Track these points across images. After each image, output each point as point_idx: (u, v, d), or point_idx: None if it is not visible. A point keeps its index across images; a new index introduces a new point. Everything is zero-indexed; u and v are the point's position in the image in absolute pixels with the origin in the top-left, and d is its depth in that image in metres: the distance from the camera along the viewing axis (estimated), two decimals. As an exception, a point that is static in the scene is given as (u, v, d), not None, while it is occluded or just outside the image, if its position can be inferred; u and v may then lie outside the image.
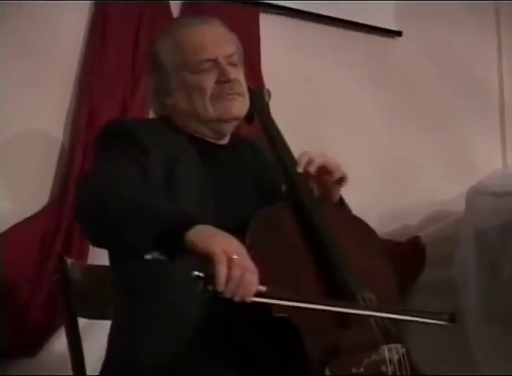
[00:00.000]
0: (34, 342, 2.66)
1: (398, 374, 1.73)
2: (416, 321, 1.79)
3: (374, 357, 1.71)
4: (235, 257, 1.54)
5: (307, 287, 1.79)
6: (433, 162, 3.73)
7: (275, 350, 1.70)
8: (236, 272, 1.53)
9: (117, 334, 1.90)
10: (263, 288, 1.58)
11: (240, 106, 1.98)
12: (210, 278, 1.52)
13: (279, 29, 3.31)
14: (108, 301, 2.02)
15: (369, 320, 1.77)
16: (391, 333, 1.77)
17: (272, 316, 1.64)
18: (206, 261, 1.53)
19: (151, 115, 2.22)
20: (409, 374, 1.75)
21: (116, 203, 1.64)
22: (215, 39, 1.96)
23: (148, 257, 1.62)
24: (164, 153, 1.87)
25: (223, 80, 1.93)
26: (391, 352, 1.73)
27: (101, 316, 2.11)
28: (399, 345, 1.75)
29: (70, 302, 2.13)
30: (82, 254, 2.71)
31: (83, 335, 2.13)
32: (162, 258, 1.61)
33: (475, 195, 3.01)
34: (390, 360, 1.72)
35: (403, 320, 1.80)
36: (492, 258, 2.86)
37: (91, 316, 2.22)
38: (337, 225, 1.90)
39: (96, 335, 2.00)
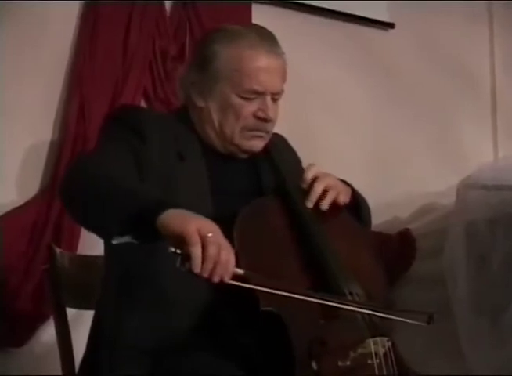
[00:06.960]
0: (23, 332, 2.66)
1: (384, 366, 1.73)
2: (395, 320, 1.78)
3: (360, 350, 1.71)
4: (209, 235, 1.53)
5: (292, 277, 1.78)
6: (424, 155, 3.74)
7: (261, 344, 1.70)
8: (212, 251, 1.52)
9: (102, 320, 1.90)
10: (241, 271, 1.58)
11: (263, 143, 1.97)
12: (187, 257, 1.52)
13: (272, 20, 3.29)
14: (97, 292, 2.02)
15: (355, 314, 1.76)
16: (377, 326, 1.77)
17: (259, 309, 1.64)
18: (181, 242, 1.53)
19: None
20: (395, 367, 1.75)
21: (97, 184, 1.66)
22: (274, 76, 1.91)
23: (116, 241, 1.62)
24: (166, 149, 1.86)
25: (262, 117, 1.91)
26: (376, 345, 1.73)
27: (90, 307, 2.09)
28: (385, 339, 1.76)
29: (59, 292, 2.13)
30: (72, 245, 2.71)
31: (72, 325, 2.13)
32: (134, 242, 1.61)
33: (465, 188, 3.01)
34: (376, 353, 1.72)
35: (384, 318, 1.78)
36: (481, 252, 2.86)
37: (80, 306, 2.22)
38: (325, 219, 1.90)
39: (85, 325, 2.00)
